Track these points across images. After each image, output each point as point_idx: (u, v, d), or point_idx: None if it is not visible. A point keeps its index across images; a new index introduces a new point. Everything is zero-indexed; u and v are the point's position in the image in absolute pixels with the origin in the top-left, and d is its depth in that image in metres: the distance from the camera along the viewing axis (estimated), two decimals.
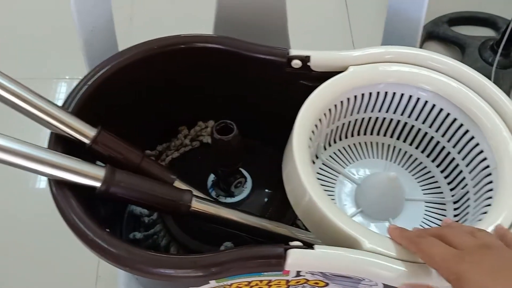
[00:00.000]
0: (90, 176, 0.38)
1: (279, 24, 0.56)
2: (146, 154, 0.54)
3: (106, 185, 0.38)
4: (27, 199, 0.88)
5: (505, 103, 0.44)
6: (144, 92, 0.48)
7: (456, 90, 0.45)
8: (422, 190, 0.51)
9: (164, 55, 0.46)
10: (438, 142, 0.50)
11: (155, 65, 0.46)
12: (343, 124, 0.51)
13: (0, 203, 0.87)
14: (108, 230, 0.37)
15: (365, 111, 0.50)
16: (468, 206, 0.47)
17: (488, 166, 0.44)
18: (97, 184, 0.38)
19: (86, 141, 0.40)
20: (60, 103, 0.41)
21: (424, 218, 0.49)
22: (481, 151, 0.45)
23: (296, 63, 0.47)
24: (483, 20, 1.10)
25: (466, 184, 0.47)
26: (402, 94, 0.48)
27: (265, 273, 0.41)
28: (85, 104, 0.42)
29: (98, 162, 0.42)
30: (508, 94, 0.97)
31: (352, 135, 0.53)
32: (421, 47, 1.05)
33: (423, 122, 0.50)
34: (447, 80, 0.45)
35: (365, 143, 0.54)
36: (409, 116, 0.50)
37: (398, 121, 0.51)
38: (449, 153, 0.49)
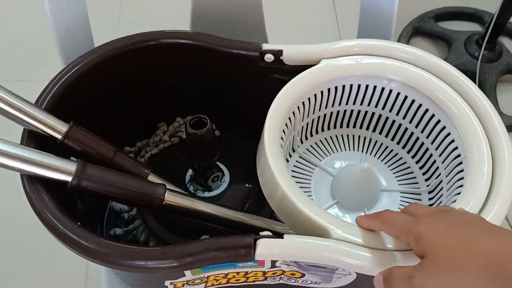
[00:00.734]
0: (61, 170, 0.38)
1: (256, 20, 0.56)
2: (125, 150, 0.55)
3: (78, 179, 0.39)
4: (15, 199, 0.88)
5: (473, 92, 0.44)
6: (119, 88, 0.49)
7: (425, 79, 0.45)
8: (398, 180, 0.51)
9: (138, 51, 0.47)
10: (412, 133, 0.51)
11: (130, 61, 0.47)
12: (319, 117, 0.52)
13: None
14: (79, 223, 0.38)
15: (339, 104, 0.51)
16: (441, 195, 0.47)
17: (459, 155, 0.45)
18: (68, 178, 0.39)
19: (58, 136, 0.41)
20: None
21: (399, 209, 0.49)
22: (453, 140, 0.46)
23: (269, 57, 0.47)
24: (469, 15, 1.11)
25: (440, 174, 0.48)
26: (375, 86, 0.49)
27: (240, 264, 0.42)
28: (58, 101, 0.43)
29: (73, 158, 0.42)
30: (494, 87, 0.98)
31: (329, 128, 0.54)
32: (407, 42, 1.06)
33: (397, 114, 0.50)
34: (416, 70, 0.46)
35: (342, 135, 0.54)
36: (383, 108, 0.51)
37: (373, 113, 0.52)
38: (423, 143, 0.50)
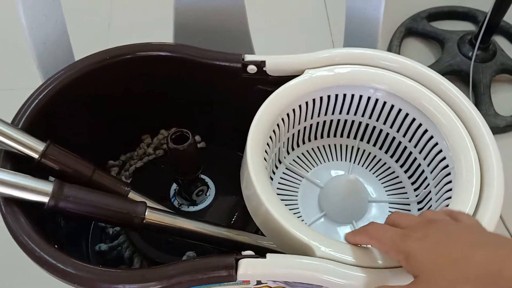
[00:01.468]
0: (37, 191, 0.37)
1: (240, 29, 0.55)
2: (109, 164, 0.54)
3: (54, 200, 0.38)
4: None
5: (461, 101, 0.43)
6: (100, 102, 0.48)
7: (411, 88, 0.44)
8: (387, 191, 0.50)
9: (118, 65, 0.46)
10: (400, 142, 0.50)
11: (109, 75, 0.46)
12: (305, 127, 0.51)
13: None
14: (56, 246, 0.37)
15: (325, 114, 0.50)
16: (431, 206, 0.46)
17: (447, 166, 0.44)
18: (45, 200, 0.38)
19: (35, 155, 0.40)
20: None
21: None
22: (440, 151, 0.45)
23: (252, 69, 0.46)
24: (463, 14, 1.09)
25: (428, 184, 0.47)
26: (361, 96, 0.48)
27: (225, 284, 0.41)
28: (36, 119, 0.42)
29: (52, 178, 0.42)
30: (488, 87, 0.97)
31: (316, 138, 0.53)
32: (400, 43, 1.04)
33: (384, 123, 0.49)
34: (402, 79, 0.45)
35: (329, 145, 0.53)
36: (369, 117, 0.50)
37: (360, 123, 0.51)
38: (411, 153, 0.49)
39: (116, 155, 0.54)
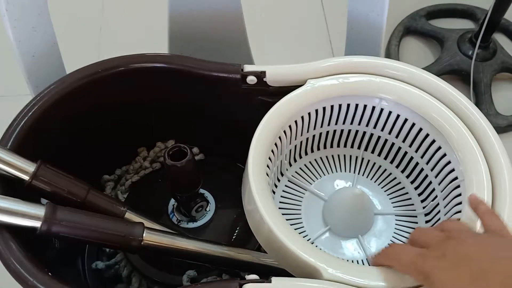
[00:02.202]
0: (28, 216, 0.36)
1: (238, 37, 0.53)
2: (104, 179, 0.52)
3: (47, 225, 0.36)
4: None
5: (471, 111, 0.42)
6: (94, 116, 0.46)
7: (418, 98, 0.42)
8: (392, 203, 0.49)
9: (111, 77, 0.44)
10: (406, 153, 0.48)
11: (102, 88, 0.44)
12: (307, 138, 0.49)
13: None
14: (50, 273, 0.35)
15: (328, 125, 0.48)
16: (439, 218, 0.45)
17: (456, 178, 0.42)
18: (37, 224, 0.36)
19: (26, 177, 0.38)
20: None
21: (395, 233, 0.47)
22: (449, 162, 0.43)
23: (252, 79, 0.44)
24: (461, 12, 1.08)
25: (436, 196, 0.45)
26: (365, 105, 0.46)
27: None
28: (26, 137, 0.40)
29: (44, 200, 0.40)
30: (489, 86, 0.96)
31: (319, 149, 0.51)
32: (399, 43, 1.03)
33: (389, 133, 0.48)
34: (408, 88, 0.43)
35: (332, 156, 0.51)
36: (374, 127, 0.48)
37: (364, 132, 0.49)
38: (417, 163, 0.47)
39: (111, 169, 0.52)
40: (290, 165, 0.50)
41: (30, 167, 0.38)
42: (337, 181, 0.50)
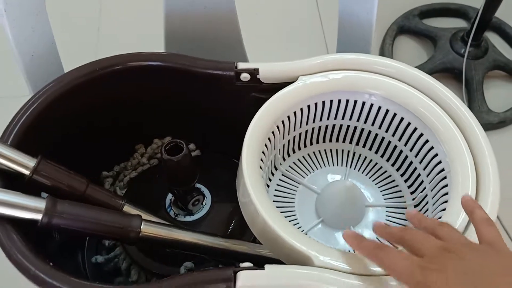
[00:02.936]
0: (29, 209, 0.37)
1: (232, 36, 0.55)
2: (103, 175, 0.53)
3: (48, 217, 0.37)
4: None
5: (457, 106, 0.43)
6: (92, 114, 0.47)
7: (406, 93, 0.44)
8: (383, 195, 0.50)
9: (108, 76, 0.45)
10: (395, 146, 0.49)
11: (100, 86, 0.45)
12: (300, 134, 0.50)
13: None
14: (51, 263, 0.36)
15: (320, 120, 0.50)
16: (427, 209, 0.46)
17: (443, 170, 0.43)
18: (38, 217, 0.37)
19: (26, 172, 0.39)
20: None
21: (386, 224, 0.48)
22: (436, 155, 0.44)
23: (245, 77, 0.46)
24: (454, 11, 1.09)
25: (425, 188, 0.47)
26: (355, 101, 0.47)
27: None
28: (26, 134, 0.41)
29: (44, 194, 0.41)
30: (481, 84, 0.97)
31: (311, 144, 0.53)
32: (393, 42, 1.04)
33: (379, 127, 0.49)
34: (396, 84, 0.44)
35: (325, 150, 0.53)
36: (365, 122, 0.49)
37: (355, 127, 0.50)
38: (406, 156, 0.49)
39: (109, 166, 0.54)
40: (284, 159, 0.52)
41: (31, 162, 0.39)
42: (329, 175, 0.51)
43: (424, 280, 0.30)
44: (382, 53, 1.05)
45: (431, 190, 0.45)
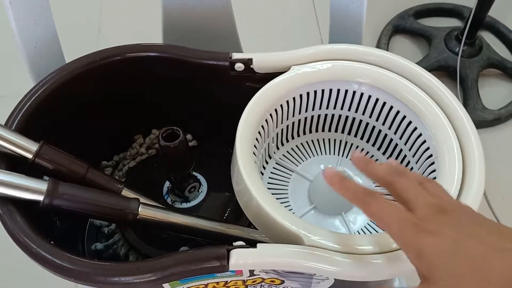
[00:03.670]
0: (32, 190, 0.38)
1: (228, 29, 0.57)
2: (103, 165, 0.55)
3: (49, 198, 0.39)
4: None
5: (442, 92, 0.45)
6: (92, 104, 0.49)
7: (393, 81, 0.45)
8: (374, 182, 0.52)
9: (108, 66, 0.47)
10: (386, 135, 0.51)
11: (100, 76, 0.47)
12: (293, 123, 0.52)
13: None
14: (52, 242, 0.38)
15: (313, 109, 0.51)
16: None
17: (431, 155, 0.45)
18: (40, 198, 0.39)
19: (29, 155, 0.41)
20: None
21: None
22: (424, 141, 0.46)
23: (239, 66, 0.47)
24: (448, 11, 1.12)
25: None
26: (346, 90, 0.49)
27: (219, 275, 0.42)
28: (29, 120, 0.43)
29: (46, 178, 0.42)
30: (476, 82, 0.99)
31: (304, 133, 0.54)
32: (388, 41, 1.06)
33: (370, 116, 0.51)
34: (384, 72, 0.46)
35: (318, 140, 0.54)
36: (356, 111, 0.51)
37: (347, 117, 0.52)
38: (396, 145, 0.50)
39: (109, 155, 0.56)
40: (278, 148, 0.53)
41: (33, 146, 0.41)
42: (322, 163, 0.53)
43: (416, 242, 0.28)
44: None
45: None
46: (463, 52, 0.98)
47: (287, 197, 0.51)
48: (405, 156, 0.49)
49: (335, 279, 0.42)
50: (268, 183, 0.51)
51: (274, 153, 0.53)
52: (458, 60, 0.97)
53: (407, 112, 0.47)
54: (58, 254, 0.37)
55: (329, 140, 0.54)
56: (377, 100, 0.49)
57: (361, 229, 0.49)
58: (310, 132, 0.54)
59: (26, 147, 0.41)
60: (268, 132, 0.49)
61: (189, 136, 0.57)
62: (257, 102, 0.45)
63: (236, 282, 0.44)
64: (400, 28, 1.08)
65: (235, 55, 0.47)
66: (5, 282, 0.81)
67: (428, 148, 0.45)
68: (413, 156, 0.48)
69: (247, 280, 0.44)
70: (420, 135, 0.46)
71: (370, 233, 0.48)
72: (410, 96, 0.45)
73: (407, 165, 0.49)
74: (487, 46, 1.03)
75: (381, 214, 0.30)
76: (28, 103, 0.43)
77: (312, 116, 0.52)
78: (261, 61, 0.47)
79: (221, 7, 0.54)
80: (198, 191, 0.52)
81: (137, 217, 0.42)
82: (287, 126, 0.52)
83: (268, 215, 0.39)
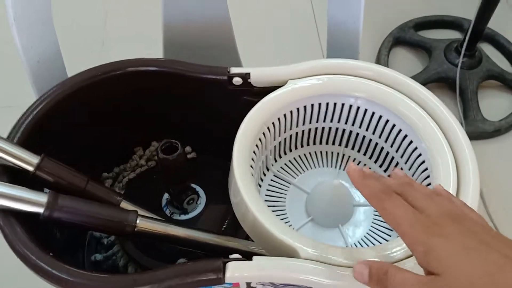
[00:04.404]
0: (32, 202, 0.39)
1: (227, 44, 0.58)
2: (103, 176, 0.56)
3: (49, 211, 0.39)
4: None
5: (436, 106, 0.45)
6: (93, 117, 0.50)
7: (388, 95, 0.46)
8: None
9: (108, 80, 0.48)
10: (382, 148, 0.51)
11: (101, 90, 0.48)
12: (291, 135, 0.53)
13: None
14: (51, 254, 0.38)
15: (310, 122, 0.52)
16: None
17: (426, 169, 0.45)
18: (40, 210, 0.39)
19: (30, 168, 0.41)
20: None
21: (373, 223, 0.50)
22: (420, 154, 0.46)
23: (237, 81, 0.48)
24: (449, 23, 1.12)
25: None
26: (343, 104, 0.50)
27: (216, 287, 0.42)
28: (31, 134, 0.44)
29: (47, 190, 0.43)
30: (475, 94, 0.99)
31: (302, 146, 0.55)
32: (388, 53, 1.07)
33: (366, 129, 0.51)
34: (380, 86, 0.47)
35: (315, 152, 0.55)
36: (352, 124, 0.52)
37: (344, 130, 0.53)
38: (393, 157, 0.51)
39: (109, 167, 0.56)
40: (275, 161, 0.54)
41: (34, 159, 0.42)
42: (319, 176, 0.53)
43: (426, 240, 0.28)
44: (378, 63, 1.07)
45: None
46: (462, 63, 0.99)
47: (285, 209, 0.51)
48: (402, 169, 0.50)
49: None
50: (266, 195, 0.52)
51: (272, 165, 0.53)
52: (458, 72, 0.97)
53: (402, 126, 0.47)
54: (56, 265, 0.37)
55: (326, 153, 0.55)
56: (373, 113, 0.49)
57: (358, 242, 0.49)
58: (308, 145, 0.55)
59: (27, 160, 0.41)
60: (266, 145, 0.50)
61: (188, 148, 0.58)
62: (254, 116, 0.46)
63: None
64: (400, 39, 1.08)
65: (233, 70, 0.48)
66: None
67: (423, 162, 0.46)
68: (409, 169, 0.49)
69: None
70: (416, 148, 0.47)
71: (367, 245, 0.49)
72: (405, 110, 0.45)
73: None
74: (487, 58, 1.03)
75: (394, 211, 0.31)
76: (30, 117, 0.44)
77: (310, 129, 0.53)
78: (259, 75, 0.48)
79: (220, 22, 0.55)
80: (196, 203, 0.53)
81: (135, 229, 0.42)
82: (285, 139, 0.53)
83: (264, 228, 0.40)
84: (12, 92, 1.03)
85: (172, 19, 0.55)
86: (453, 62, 1.01)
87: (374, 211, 0.51)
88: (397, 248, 0.38)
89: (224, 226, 0.53)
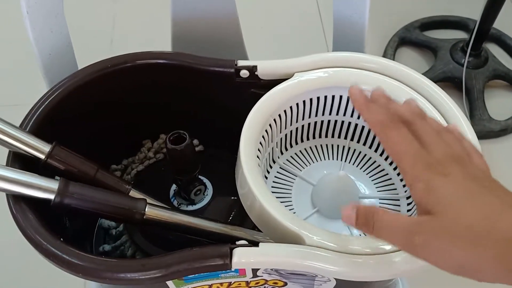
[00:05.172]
0: (43, 189, 0.40)
1: (234, 38, 0.58)
2: (112, 169, 0.57)
3: (60, 197, 0.40)
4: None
5: (442, 98, 0.46)
6: (103, 109, 0.51)
7: (393, 87, 0.47)
8: (377, 187, 0.53)
9: (119, 72, 0.49)
10: None
11: (110, 82, 0.49)
12: (297, 128, 0.53)
13: None
14: (62, 239, 0.39)
15: (316, 115, 0.52)
16: None
17: None
18: (51, 196, 0.40)
19: (42, 156, 0.42)
20: None
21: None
22: None
23: (244, 73, 0.49)
24: (454, 23, 1.13)
25: None
26: (348, 97, 0.50)
27: (222, 275, 0.43)
28: (42, 123, 0.45)
29: (57, 178, 0.44)
30: (482, 93, 1.00)
31: (308, 139, 0.55)
32: (394, 53, 1.08)
33: None
34: (385, 79, 0.47)
35: (321, 145, 0.56)
36: (358, 117, 0.52)
37: (349, 123, 0.53)
38: None
39: (118, 159, 0.57)
40: (282, 153, 0.54)
41: (46, 147, 0.43)
42: (325, 168, 0.54)
43: (427, 177, 0.28)
44: None
45: None
46: (468, 63, 0.99)
47: (291, 201, 0.52)
48: None
49: (336, 281, 0.43)
50: (272, 187, 0.53)
51: (278, 157, 0.54)
52: (464, 71, 0.97)
53: None
54: (67, 250, 0.38)
55: (332, 145, 0.56)
56: None
57: (363, 232, 0.49)
58: (314, 138, 0.55)
59: (39, 148, 0.42)
60: (272, 137, 0.50)
61: (195, 141, 0.59)
62: (260, 108, 0.47)
63: (240, 283, 0.45)
64: (406, 40, 1.09)
65: (240, 62, 0.49)
66: (16, 282, 0.83)
67: None
68: None
69: (250, 281, 0.45)
70: None
71: None
72: None
73: None
74: (493, 58, 1.04)
75: (397, 144, 0.30)
76: (42, 107, 0.45)
77: (315, 122, 0.53)
78: (266, 68, 0.49)
79: (228, 17, 0.56)
80: (203, 194, 0.53)
81: (144, 217, 0.43)
82: (291, 131, 0.53)
83: (270, 216, 0.40)
84: (18, 91, 1.05)
85: (180, 14, 0.56)
86: (459, 61, 1.02)
87: (380, 203, 0.51)
88: None
89: (231, 217, 0.53)
